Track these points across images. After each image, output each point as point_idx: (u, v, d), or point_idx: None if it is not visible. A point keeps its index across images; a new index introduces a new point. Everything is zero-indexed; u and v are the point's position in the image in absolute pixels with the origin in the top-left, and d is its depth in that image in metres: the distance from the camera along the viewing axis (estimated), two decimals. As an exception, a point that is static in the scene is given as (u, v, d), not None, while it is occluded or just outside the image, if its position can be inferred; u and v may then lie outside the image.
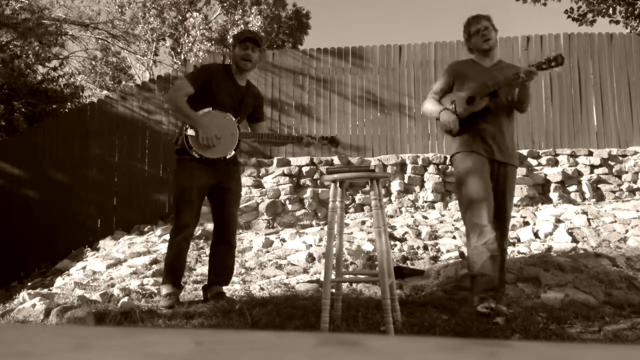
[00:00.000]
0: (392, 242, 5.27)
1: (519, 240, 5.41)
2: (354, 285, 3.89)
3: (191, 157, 3.35)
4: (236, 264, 4.85)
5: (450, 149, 3.38)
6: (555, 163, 7.21)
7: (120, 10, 16.56)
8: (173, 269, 3.44)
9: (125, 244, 6.33)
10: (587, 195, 6.91)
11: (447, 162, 7.20)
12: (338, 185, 2.82)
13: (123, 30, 16.02)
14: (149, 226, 7.34)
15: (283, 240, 5.88)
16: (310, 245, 5.48)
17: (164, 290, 3.40)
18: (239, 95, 3.48)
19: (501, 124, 3.21)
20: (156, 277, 4.62)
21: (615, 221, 5.75)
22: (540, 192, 7.02)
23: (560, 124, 7.61)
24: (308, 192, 7.01)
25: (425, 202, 7.05)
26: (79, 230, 7.85)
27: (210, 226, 5.92)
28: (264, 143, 3.81)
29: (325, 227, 4.71)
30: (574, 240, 5.32)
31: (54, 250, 7.63)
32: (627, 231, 5.44)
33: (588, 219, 5.82)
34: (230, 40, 4.24)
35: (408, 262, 4.83)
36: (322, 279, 3.65)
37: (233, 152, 3.45)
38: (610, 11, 9.33)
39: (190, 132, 3.31)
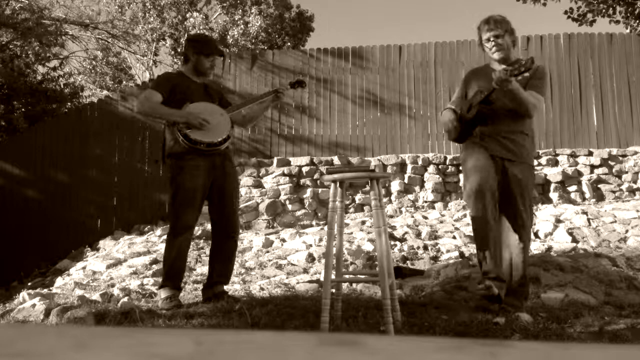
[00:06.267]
0: (392, 242, 5.27)
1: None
2: (354, 285, 3.89)
3: (192, 156, 3.34)
4: (236, 264, 4.85)
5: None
6: (555, 163, 7.20)
7: (120, 10, 16.55)
8: (174, 271, 3.40)
9: (125, 244, 6.33)
10: (587, 195, 6.91)
11: (447, 162, 7.20)
12: (338, 185, 2.82)
13: (123, 30, 16.02)
14: (149, 226, 7.34)
15: (283, 240, 5.88)
16: (310, 245, 5.48)
17: (164, 293, 3.35)
18: (203, 90, 3.60)
19: (500, 128, 3.14)
20: (156, 277, 4.62)
21: (615, 221, 5.75)
22: (540, 192, 7.02)
23: (560, 124, 7.61)
24: (308, 192, 7.01)
25: (425, 202, 7.05)
26: (79, 230, 7.86)
27: (210, 226, 5.93)
28: (250, 118, 3.90)
29: (325, 227, 4.71)
30: (574, 240, 5.32)
31: (54, 250, 7.63)
32: (627, 231, 5.44)
33: (588, 219, 5.82)
34: (183, 42, 4.31)
35: (408, 262, 4.83)
36: (322, 279, 3.65)
37: (233, 129, 3.57)
38: (610, 11, 9.32)
39: (187, 130, 3.32)
